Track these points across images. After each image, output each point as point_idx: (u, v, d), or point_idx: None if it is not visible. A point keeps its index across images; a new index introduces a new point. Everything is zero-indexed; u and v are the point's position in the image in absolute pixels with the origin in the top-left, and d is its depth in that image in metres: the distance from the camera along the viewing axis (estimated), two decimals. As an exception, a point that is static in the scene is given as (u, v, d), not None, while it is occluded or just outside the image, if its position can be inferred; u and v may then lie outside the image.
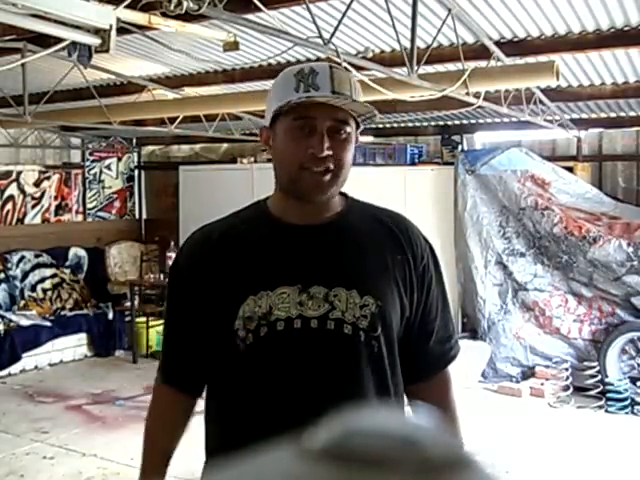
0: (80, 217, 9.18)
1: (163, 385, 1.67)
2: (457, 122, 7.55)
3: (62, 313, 8.11)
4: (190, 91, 5.80)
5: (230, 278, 1.54)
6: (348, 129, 1.50)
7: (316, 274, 1.51)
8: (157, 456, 1.65)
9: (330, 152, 1.47)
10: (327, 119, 1.47)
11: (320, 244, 1.55)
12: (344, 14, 3.43)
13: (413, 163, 7.32)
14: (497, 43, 4.38)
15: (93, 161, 9.33)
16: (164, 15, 3.11)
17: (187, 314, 1.61)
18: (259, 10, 3.21)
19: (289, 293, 1.49)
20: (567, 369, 6.35)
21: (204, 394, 1.65)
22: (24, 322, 7.38)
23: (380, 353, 1.52)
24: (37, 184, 8.67)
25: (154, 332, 7.80)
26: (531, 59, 4.55)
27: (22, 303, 7.97)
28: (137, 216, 9.80)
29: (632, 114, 6.65)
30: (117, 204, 9.58)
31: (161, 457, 1.65)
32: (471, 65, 4.29)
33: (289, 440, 0.38)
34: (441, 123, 7.66)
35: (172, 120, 6.38)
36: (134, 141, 9.71)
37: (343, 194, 1.62)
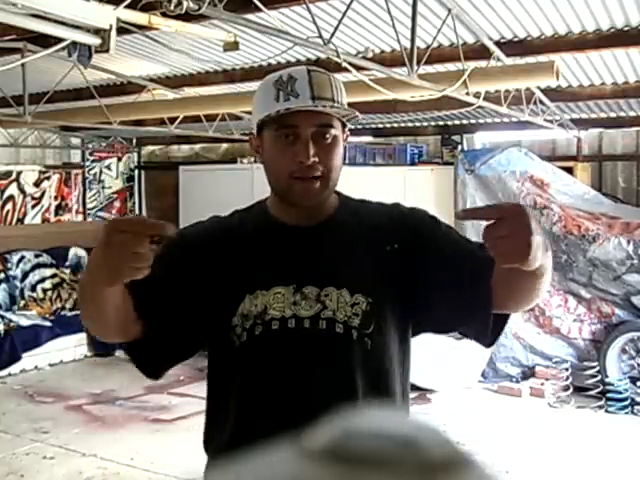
0: (80, 217, 9.18)
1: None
2: (457, 122, 7.56)
3: (62, 313, 8.11)
4: (190, 91, 5.80)
5: (230, 275, 1.55)
6: (333, 132, 1.50)
7: (309, 274, 1.53)
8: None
9: (317, 158, 1.47)
10: (309, 125, 1.47)
11: (314, 245, 1.56)
12: (344, 14, 3.43)
13: (413, 163, 7.33)
14: (497, 43, 4.38)
15: (93, 161, 9.33)
16: (164, 15, 3.12)
17: (175, 285, 1.51)
18: (259, 10, 3.21)
19: (284, 293, 1.51)
20: (567, 369, 6.34)
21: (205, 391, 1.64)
22: (24, 322, 7.38)
23: (375, 351, 1.51)
24: (37, 184, 8.68)
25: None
26: (531, 59, 4.55)
27: (22, 303, 7.97)
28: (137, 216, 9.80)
29: (632, 114, 6.65)
30: (117, 204, 9.59)
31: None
32: (471, 65, 4.29)
33: (286, 440, 0.39)
34: (441, 123, 7.66)
35: (172, 120, 6.38)
36: (134, 141, 9.72)
37: (336, 192, 1.63)
